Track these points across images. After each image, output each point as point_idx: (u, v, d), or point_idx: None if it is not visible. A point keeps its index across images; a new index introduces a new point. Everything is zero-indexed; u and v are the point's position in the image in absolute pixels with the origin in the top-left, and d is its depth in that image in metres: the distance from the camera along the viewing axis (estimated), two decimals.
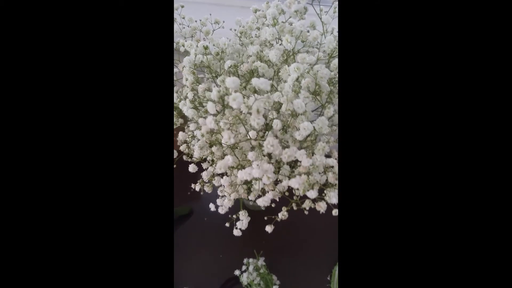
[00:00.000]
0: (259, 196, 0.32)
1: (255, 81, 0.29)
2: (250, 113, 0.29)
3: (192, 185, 0.35)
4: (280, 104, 0.31)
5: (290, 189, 0.32)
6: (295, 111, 0.29)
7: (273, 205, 0.34)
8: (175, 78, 0.43)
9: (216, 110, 0.30)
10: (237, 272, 0.52)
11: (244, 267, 0.54)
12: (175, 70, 0.43)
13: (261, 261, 0.54)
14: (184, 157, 0.39)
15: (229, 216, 0.37)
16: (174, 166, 0.41)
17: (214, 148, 0.31)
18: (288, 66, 0.32)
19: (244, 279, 0.52)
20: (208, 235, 0.58)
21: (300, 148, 0.31)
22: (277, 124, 0.30)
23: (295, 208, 0.31)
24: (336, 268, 0.55)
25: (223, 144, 0.30)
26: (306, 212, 0.31)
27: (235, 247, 0.55)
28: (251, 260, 0.54)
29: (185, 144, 0.37)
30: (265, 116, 0.29)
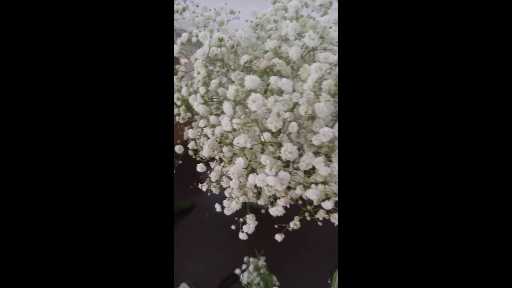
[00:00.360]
0: (270, 202, 0.30)
1: (274, 80, 0.27)
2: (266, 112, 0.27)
3: (199, 185, 0.34)
4: (297, 105, 0.29)
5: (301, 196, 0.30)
6: (314, 113, 0.27)
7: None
8: (184, 70, 0.40)
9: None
10: (237, 271, 0.51)
11: (244, 266, 0.53)
12: (185, 61, 0.40)
13: (261, 261, 0.53)
14: (191, 153, 0.37)
15: (235, 218, 0.35)
16: (180, 162, 0.39)
17: (225, 149, 0.29)
18: (308, 64, 0.30)
19: (244, 278, 0.51)
20: (209, 231, 0.56)
21: (315, 153, 0.29)
22: (293, 127, 0.28)
23: (308, 218, 0.29)
24: (337, 272, 0.54)
25: (234, 145, 0.28)
26: (319, 223, 0.29)
27: (236, 244, 0.54)
28: (251, 259, 0.53)
29: (193, 142, 0.35)
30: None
